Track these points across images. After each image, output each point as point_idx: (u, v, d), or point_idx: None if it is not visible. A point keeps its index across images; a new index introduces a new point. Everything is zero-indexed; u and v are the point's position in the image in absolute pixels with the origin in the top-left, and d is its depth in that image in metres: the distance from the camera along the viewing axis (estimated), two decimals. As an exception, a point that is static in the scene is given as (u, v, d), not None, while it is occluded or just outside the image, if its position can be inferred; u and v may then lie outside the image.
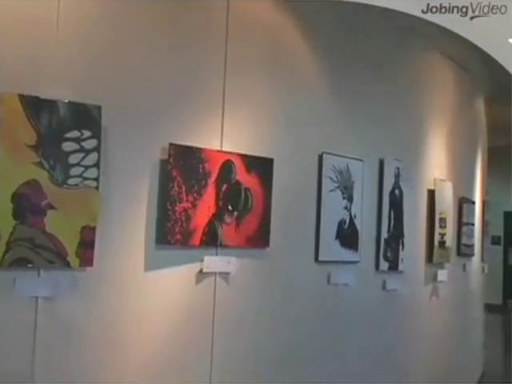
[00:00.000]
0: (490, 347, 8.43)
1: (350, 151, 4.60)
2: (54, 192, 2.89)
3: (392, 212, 5.09)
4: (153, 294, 3.35)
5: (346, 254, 4.58)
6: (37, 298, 2.88)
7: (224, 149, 3.69)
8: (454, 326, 6.37)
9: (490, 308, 9.44)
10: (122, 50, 3.25)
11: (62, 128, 2.93)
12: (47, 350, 2.92)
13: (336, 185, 4.47)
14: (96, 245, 3.00)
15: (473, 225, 6.93)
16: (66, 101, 2.94)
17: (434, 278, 5.82)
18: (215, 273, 3.64)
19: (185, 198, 3.43)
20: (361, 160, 4.70)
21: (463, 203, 6.58)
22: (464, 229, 6.60)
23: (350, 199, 4.62)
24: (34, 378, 2.87)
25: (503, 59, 2.97)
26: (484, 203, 7.80)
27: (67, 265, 2.93)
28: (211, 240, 3.57)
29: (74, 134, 2.96)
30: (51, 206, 2.88)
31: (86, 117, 2.98)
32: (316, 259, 4.34)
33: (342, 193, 4.54)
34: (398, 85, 5.28)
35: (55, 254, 2.89)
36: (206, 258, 3.57)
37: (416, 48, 5.57)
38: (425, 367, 5.64)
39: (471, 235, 6.84)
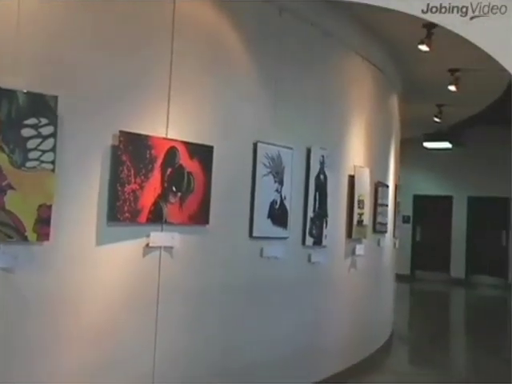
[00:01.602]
0: (398, 311, 8.72)
1: (282, 140, 4.67)
2: (13, 174, 2.86)
3: (317, 194, 5.19)
4: (104, 266, 3.36)
5: (277, 231, 4.67)
6: (-4, 269, 2.85)
7: (169, 136, 3.70)
8: (369, 293, 6.56)
9: (399, 278, 9.77)
10: (77, 45, 3.22)
11: (21, 115, 2.89)
12: (5, 317, 2.90)
13: (268, 170, 4.54)
14: (52, 221, 2.99)
15: (386, 206, 7.09)
16: (25, 91, 2.90)
17: (353, 251, 5.96)
18: (160, 247, 3.67)
19: (133, 180, 3.43)
20: (290, 148, 4.77)
21: (379, 187, 6.72)
22: (379, 209, 6.75)
23: (281, 183, 4.69)
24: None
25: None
26: (396, 187, 7.98)
27: (25, 239, 2.91)
28: (157, 218, 3.59)
29: (32, 121, 2.93)
30: (11, 187, 2.85)
31: (43, 105, 2.95)
32: (250, 235, 4.41)
33: (274, 177, 4.61)
34: (324, 82, 5.36)
35: (14, 229, 2.86)
36: (152, 233, 3.59)
37: (338, 50, 5.64)
38: (343, 328, 5.80)
39: (385, 215, 7.00)
